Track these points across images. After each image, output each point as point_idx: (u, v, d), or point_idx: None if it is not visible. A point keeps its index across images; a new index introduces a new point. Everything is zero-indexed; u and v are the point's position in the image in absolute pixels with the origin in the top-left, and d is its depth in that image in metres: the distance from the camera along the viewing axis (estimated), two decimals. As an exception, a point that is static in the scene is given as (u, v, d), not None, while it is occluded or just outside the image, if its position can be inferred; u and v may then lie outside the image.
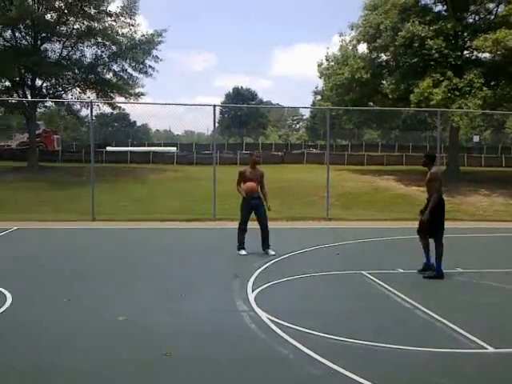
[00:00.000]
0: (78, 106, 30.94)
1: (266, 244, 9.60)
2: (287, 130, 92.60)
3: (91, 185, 14.65)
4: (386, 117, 30.42)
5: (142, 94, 29.82)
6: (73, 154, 36.96)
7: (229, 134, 73.22)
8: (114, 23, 27.75)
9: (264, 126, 78.69)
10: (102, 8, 27.17)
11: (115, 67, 28.77)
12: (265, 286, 7.09)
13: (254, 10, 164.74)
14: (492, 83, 23.98)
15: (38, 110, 31.98)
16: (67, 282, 7.35)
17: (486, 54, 24.30)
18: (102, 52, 28.40)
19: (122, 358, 4.58)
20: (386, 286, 7.20)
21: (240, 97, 73.75)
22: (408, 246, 11.00)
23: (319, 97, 33.64)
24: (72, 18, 27.07)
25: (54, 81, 28.41)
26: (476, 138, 41.47)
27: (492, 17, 25.17)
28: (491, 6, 25.35)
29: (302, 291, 7.05)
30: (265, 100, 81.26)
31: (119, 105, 30.27)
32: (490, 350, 4.86)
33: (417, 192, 19.91)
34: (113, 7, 27.84)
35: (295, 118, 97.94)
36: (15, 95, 28.22)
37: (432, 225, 7.77)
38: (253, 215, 9.63)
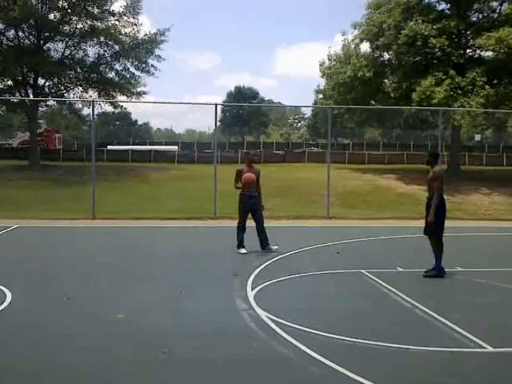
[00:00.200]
0: (80, 105, 31.11)
1: (265, 242, 9.60)
2: (288, 129, 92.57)
3: (92, 183, 14.67)
4: (387, 115, 30.40)
5: (144, 93, 29.92)
6: (74, 152, 37.05)
7: (230, 133, 73.29)
8: (117, 23, 27.87)
9: (265, 124, 78.77)
10: (105, 7, 27.29)
11: (117, 66, 28.87)
12: (264, 285, 7.09)
13: (256, 9, 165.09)
14: (494, 82, 23.96)
15: (40, 108, 32.10)
16: (66, 281, 7.34)
17: (489, 53, 24.27)
18: (105, 51, 28.47)
19: (121, 358, 4.58)
20: (386, 285, 7.19)
21: (242, 96, 73.81)
22: (408, 245, 11.02)
23: (321, 95, 33.52)
24: (75, 18, 27.16)
25: (56, 80, 28.51)
26: (477, 137, 41.47)
27: (495, 15, 25.17)
28: (495, 4, 25.37)
29: (302, 290, 7.04)
30: (266, 99, 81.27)
31: (121, 104, 30.34)
32: (490, 349, 4.85)
33: (418, 191, 19.91)
34: (116, 7, 27.89)
35: (297, 116, 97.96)
36: (17, 94, 28.28)
37: (431, 223, 7.76)
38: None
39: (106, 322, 5.52)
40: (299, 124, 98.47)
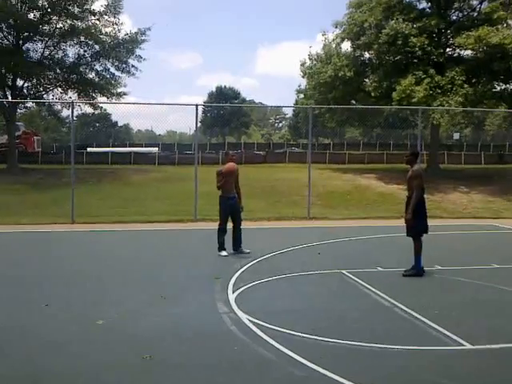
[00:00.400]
0: (59, 107, 30.69)
1: (238, 243, 9.63)
2: (270, 129, 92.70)
3: (72, 187, 14.51)
4: (368, 115, 30.59)
5: (125, 94, 29.65)
6: (53, 155, 36.62)
7: (211, 134, 73.14)
8: (97, 22, 27.52)
9: (247, 125, 78.75)
10: (85, 7, 26.90)
11: (98, 67, 28.57)
12: (245, 287, 7.08)
13: (238, 8, 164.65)
14: (473, 81, 24.23)
15: (19, 110, 31.62)
16: (45, 287, 7.26)
17: (468, 52, 24.57)
18: (85, 51, 28.15)
19: (101, 364, 4.53)
20: (366, 285, 7.23)
21: (223, 96, 73.76)
22: (388, 245, 11.10)
23: (302, 95, 33.58)
24: (55, 17, 26.73)
25: (35, 81, 28.08)
26: (456, 136, 41.91)
27: (475, 14, 25.49)
28: (475, 2, 25.76)
29: (282, 292, 7.04)
30: (248, 99, 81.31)
31: (101, 105, 30.07)
32: (468, 346, 4.91)
33: (397, 190, 20.08)
34: (97, 6, 27.48)
35: (278, 116, 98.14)
36: (-5, 96, 27.87)
37: (411, 222, 7.83)
38: None
39: (86, 328, 5.46)
40: (280, 124, 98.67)
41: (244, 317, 5.74)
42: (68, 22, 26.89)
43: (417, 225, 7.81)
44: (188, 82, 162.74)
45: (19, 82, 27.55)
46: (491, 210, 18.03)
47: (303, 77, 28.56)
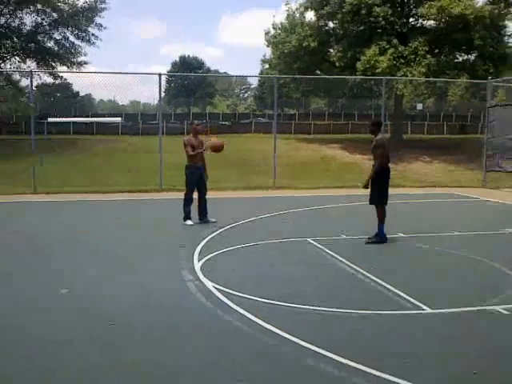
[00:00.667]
0: (18, 76, 29.84)
1: (204, 212, 9.64)
2: (235, 100, 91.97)
3: (32, 157, 14.19)
4: (332, 85, 30.63)
5: (85, 63, 29.08)
6: (13, 125, 35.64)
7: (176, 104, 72.14)
8: (54, -11, 26.62)
9: (212, 95, 77.89)
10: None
11: (56, 35, 27.85)
12: (211, 256, 7.09)
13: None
14: (436, 51, 24.45)
15: (-25, 80, 30.58)
16: (3, 258, 7.12)
17: (431, 22, 24.70)
18: (43, 19, 27.35)
19: (66, 331, 4.49)
20: (331, 252, 7.32)
21: (187, 66, 72.51)
22: (352, 213, 11.26)
23: (267, 65, 33.38)
24: (10, -16, 25.80)
25: (-9, 49, 27.17)
26: (419, 106, 42.39)
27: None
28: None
29: (248, 259, 7.09)
30: (212, 69, 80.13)
31: (61, 74, 29.38)
32: (428, 310, 5.04)
33: (362, 160, 20.31)
34: (54, -28, 26.56)
35: (243, 87, 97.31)
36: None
37: (373, 191, 7.94)
38: None
39: (50, 298, 5.39)
40: (246, 95, 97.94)
41: (210, 284, 5.76)
42: (24, -12, 25.95)
43: (381, 194, 7.93)
44: (151, 52, 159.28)
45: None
46: (453, 178, 18.43)
47: (268, 46, 28.37)
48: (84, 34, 27.68)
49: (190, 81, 71.61)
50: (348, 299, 5.43)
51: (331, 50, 26.18)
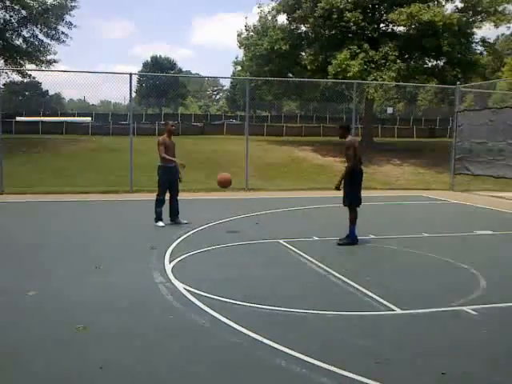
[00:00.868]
0: (-15, 74, 29.13)
1: (175, 214, 9.60)
2: (207, 101, 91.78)
3: (0, 156, 13.90)
4: (304, 88, 30.79)
5: (55, 62, 28.57)
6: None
7: (147, 105, 71.57)
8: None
9: (183, 96, 77.47)
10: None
11: (25, 33, 27.33)
12: (182, 257, 7.04)
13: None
14: (406, 56, 24.80)
15: None
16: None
17: (401, 28, 25.05)
18: (11, 16, 26.78)
19: (32, 334, 4.39)
20: (302, 254, 7.35)
21: (158, 66, 72.03)
22: (324, 215, 11.32)
23: (239, 67, 33.36)
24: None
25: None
26: (390, 110, 43.00)
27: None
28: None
29: (219, 261, 7.06)
30: (184, 70, 79.91)
31: (29, 72, 28.84)
32: (398, 311, 5.08)
33: (333, 162, 20.48)
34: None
35: (215, 88, 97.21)
36: None
37: (346, 192, 8.00)
38: None
39: (16, 300, 5.26)
40: (218, 96, 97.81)
41: (180, 286, 5.71)
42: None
43: (352, 195, 7.99)
44: (122, 52, 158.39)
45: None
46: (422, 181, 18.71)
47: (240, 47, 28.37)
48: (53, 32, 27.25)
49: (161, 81, 71.11)
50: (320, 300, 5.44)
51: (303, 54, 26.32)
